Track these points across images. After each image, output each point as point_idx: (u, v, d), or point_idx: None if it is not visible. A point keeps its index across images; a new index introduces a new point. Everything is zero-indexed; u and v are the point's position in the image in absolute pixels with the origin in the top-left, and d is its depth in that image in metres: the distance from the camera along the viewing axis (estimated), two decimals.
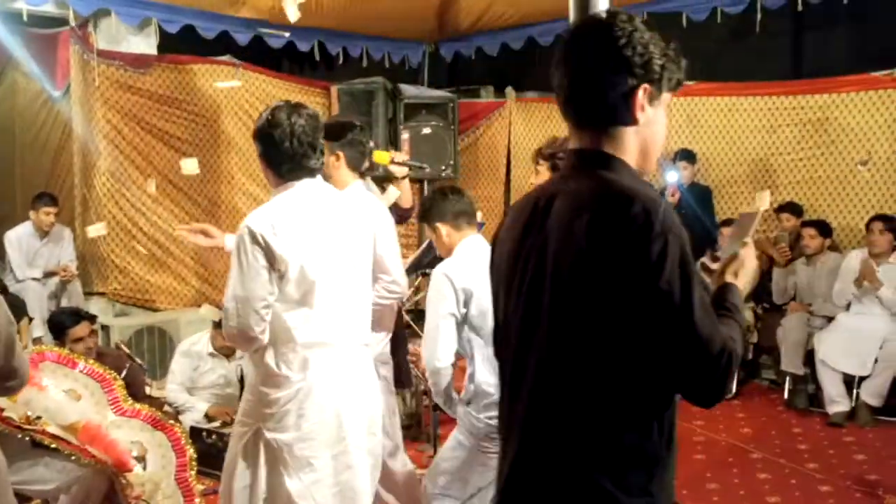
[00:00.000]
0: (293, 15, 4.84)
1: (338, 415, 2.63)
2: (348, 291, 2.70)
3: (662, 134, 1.62)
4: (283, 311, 2.59)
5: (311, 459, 2.61)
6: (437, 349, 3.17)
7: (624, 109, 1.53)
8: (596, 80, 1.52)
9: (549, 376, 1.51)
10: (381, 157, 4.24)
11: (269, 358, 2.61)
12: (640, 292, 1.39)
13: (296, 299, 2.58)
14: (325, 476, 2.62)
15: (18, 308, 4.86)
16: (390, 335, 3.65)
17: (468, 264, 3.16)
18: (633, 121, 1.54)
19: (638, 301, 1.39)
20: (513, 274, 1.62)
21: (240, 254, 2.57)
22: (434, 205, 3.38)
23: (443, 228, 3.31)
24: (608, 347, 1.44)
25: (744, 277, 1.70)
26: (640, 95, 1.53)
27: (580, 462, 1.48)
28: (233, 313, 2.56)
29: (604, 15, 1.59)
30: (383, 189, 4.53)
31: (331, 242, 2.65)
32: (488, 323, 3.11)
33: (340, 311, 2.67)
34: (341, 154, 3.46)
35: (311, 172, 2.69)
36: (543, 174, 3.34)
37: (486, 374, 3.15)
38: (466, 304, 3.15)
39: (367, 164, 4.15)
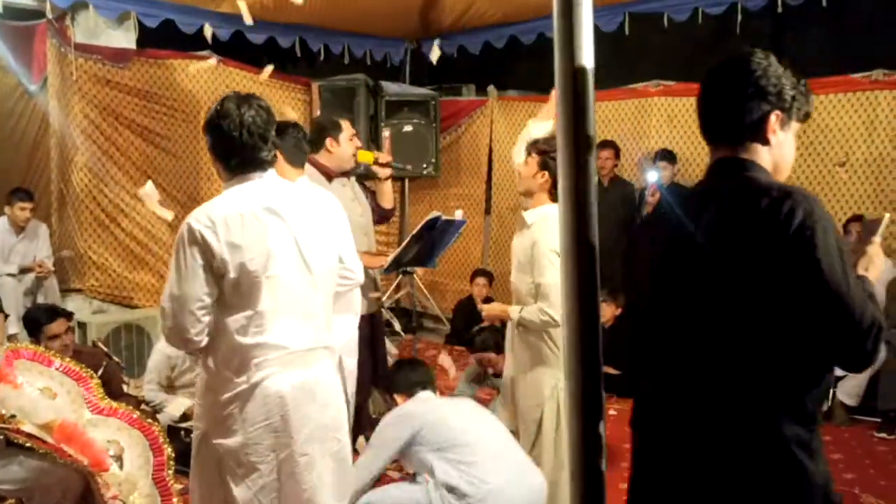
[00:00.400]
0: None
1: (284, 418, 2.52)
2: (301, 291, 2.59)
3: (791, 158, 1.86)
4: (224, 312, 2.49)
5: (257, 465, 2.52)
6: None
7: (758, 131, 1.79)
8: (735, 104, 1.80)
9: (717, 362, 1.74)
10: (364, 156, 4.25)
11: (210, 360, 2.53)
12: (801, 272, 1.62)
13: (237, 300, 2.49)
14: (271, 482, 2.54)
15: None
16: (357, 318, 3.56)
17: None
18: (765, 141, 1.79)
19: (800, 279, 1.62)
20: (671, 271, 1.84)
21: (177, 252, 2.47)
22: (393, 377, 3.52)
23: (399, 398, 3.42)
24: (774, 325, 1.67)
25: (874, 271, 1.97)
26: (773, 120, 1.79)
27: (759, 426, 1.73)
28: (168, 313, 2.48)
29: (745, 51, 1.85)
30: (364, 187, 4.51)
31: (281, 240, 2.54)
32: (444, 431, 3.19)
33: (290, 311, 2.55)
34: (278, 153, 3.45)
35: (263, 165, 2.59)
36: (531, 167, 3.40)
37: (452, 477, 3.19)
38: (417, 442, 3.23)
39: (353, 163, 4.16)
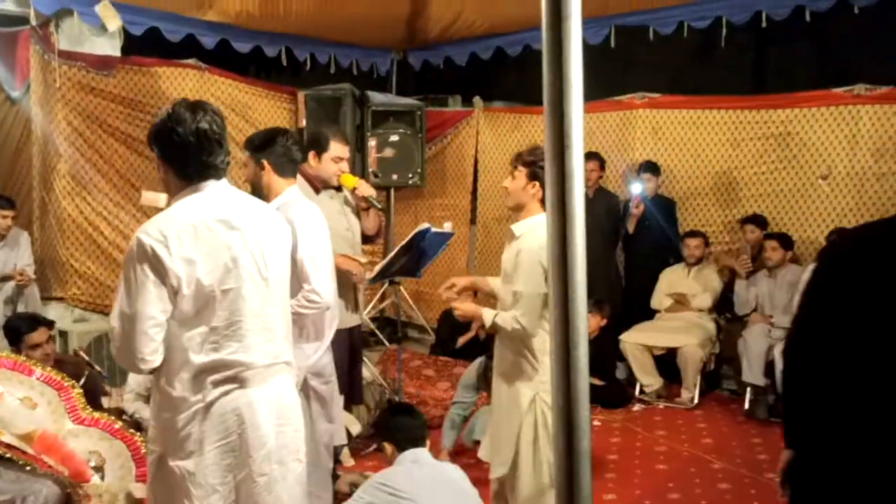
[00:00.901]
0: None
1: (242, 437, 2.45)
2: (258, 305, 2.49)
3: None
4: (178, 329, 2.38)
5: (216, 486, 2.43)
6: None
7: None
8: None
9: None
10: (347, 180, 4.20)
11: (164, 379, 2.42)
12: None
13: (191, 316, 2.38)
14: (230, 503, 2.47)
15: None
16: (326, 345, 3.56)
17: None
18: None
19: None
20: None
21: (127, 268, 2.34)
22: (384, 421, 3.40)
23: (388, 447, 3.31)
24: None
25: None
26: None
27: None
28: (118, 334, 2.36)
29: None
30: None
31: (237, 252, 2.45)
32: None
33: (247, 327, 2.46)
34: (266, 163, 3.49)
35: (218, 173, 2.49)
36: (520, 179, 3.35)
37: None
38: None
39: (335, 182, 4.14)
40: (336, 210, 4.19)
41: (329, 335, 3.56)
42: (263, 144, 3.54)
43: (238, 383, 2.45)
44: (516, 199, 3.40)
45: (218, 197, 2.48)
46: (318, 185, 4.15)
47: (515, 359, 3.33)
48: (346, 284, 4.16)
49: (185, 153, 2.44)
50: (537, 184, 3.32)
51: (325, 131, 4.28)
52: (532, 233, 3.29)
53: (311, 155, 4.14)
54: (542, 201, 3.32)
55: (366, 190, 4.37)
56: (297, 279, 3.22)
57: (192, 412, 2.41)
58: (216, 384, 2.42)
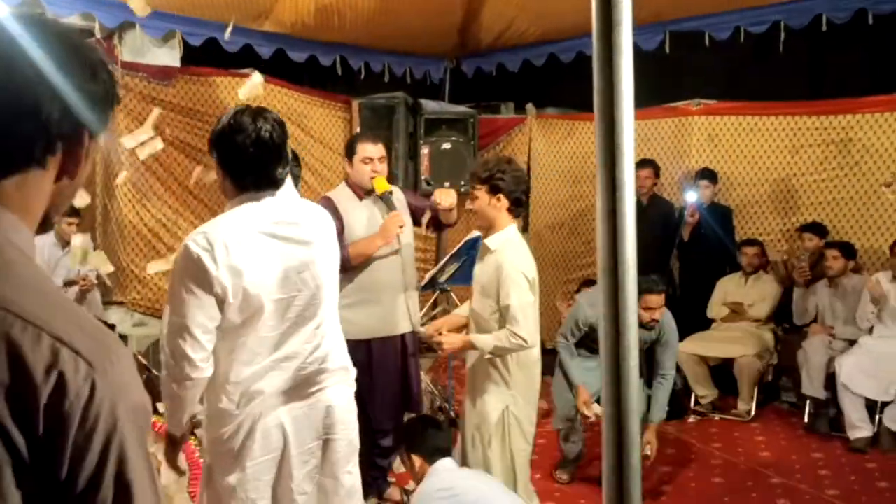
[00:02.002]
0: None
1: (285, 454, 2.42)
2: (309, 314, 2.46)
3: None
4: (224, 339, 2.36)
5: (256, 501, 2.41)
6: None
7: None
8: None
9: None
10: (380, 184, 4.18)
11: (211, 391, 2.41)
12: None
13: (238, 326, 2.36)
14: None
15: None
16: None
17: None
18: None
19: None
20: None
21: (175, 275, 2.33)
22: (413, 434, 3.39)
23: (416, 460, 3.31)
24: None
25: None
26: None
27: None
28: (168, 341, 2.34)
29: None
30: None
31: (288, 262, 2.43)
32: None
33: (297, 337, 2.43)
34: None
35: (277, 182, 2.44)
36: (483, 197, 3.36)
37: None
38: None
39: (369, 185, 4.17)
40: (378, 218, 4.20)
41: None
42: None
43: (285, 397, 2.42)
44: (484, 217, 3.43)
45: (274, 206, 2.44)
46: (360, 192, 4.18)
47: (485, 371, 3.34)
48: (395, 289, 4.17)
49: (244, 161, 2.40)
50: (501, 195, 3.33)
51: (355, 136, 4.37)
52: (508, 245, 3.33)
53: (346, 163, 4.22)
54: (510, 210, 3.39)
55: (398, 196, 4.31)
56: None
57: (236, 425, 2.39)
58: (262, 397, 2.39)
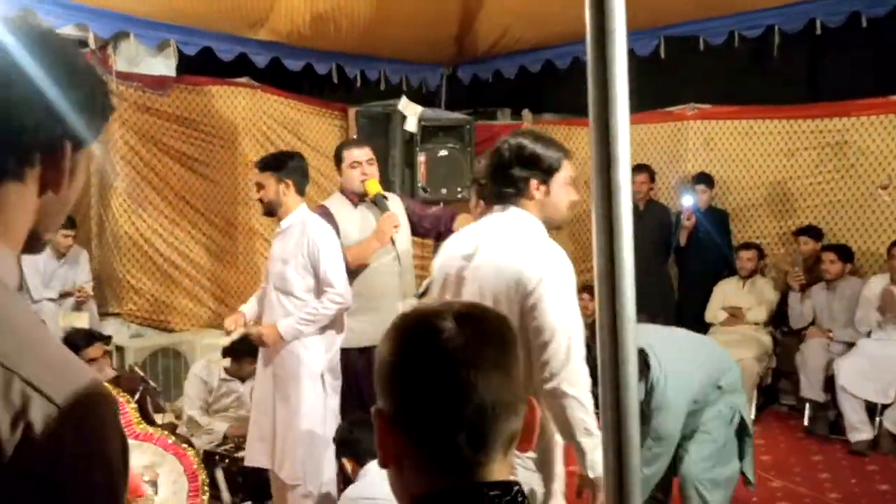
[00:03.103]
0: None
1: None
2: None
3: None
4: None
5: None
6: None
7: None
8: None
9: None
10: (373, 185, 4.23)
11: None
12: None
13: None
14: None
15: None
16: (339, 343, 3.89)
17: None
18: None
19: None
20: None
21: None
22: (343, 437, 3.35)
23: (348, 463, 3.27)
24: None
25: None
26: None
27: None
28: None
29: None
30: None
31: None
32: None
33: None
34: (290, 182, 3.81)
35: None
36: (472, 199, 3.35)
37: None
38: None
39: (361, 189, 4.23)
40: (373, 220, 4.23)
41: (341, 335, 3.89)
42: (287, 164, 3.84)
43: None
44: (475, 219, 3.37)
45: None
46: (353, 198, 4.23)
47: None
48: (393, 296, 4.19)
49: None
50: (482, 202, 3.27)
51: (341, 144, 4.52)
52: None
53: (338, 172, 4.35)
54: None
55: (392, 201, 4.41)
56: (318, 284, 3.72)
57: None
58: None
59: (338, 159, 4.30)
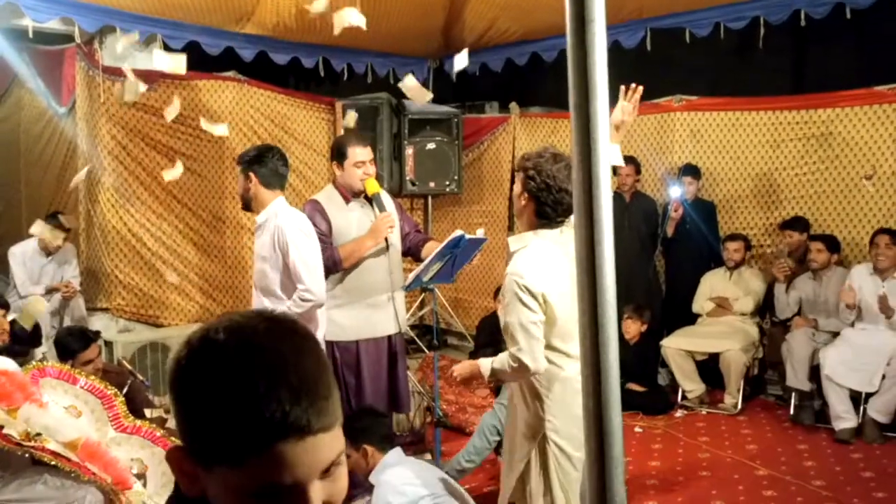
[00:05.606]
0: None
1: None
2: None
3: None
4: None
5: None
6: None
7: None
8: None
9: None
10: (371, 186, 4.24)
11: None
12: None
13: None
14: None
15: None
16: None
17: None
18: None
19: None
20: None
21: None
22: (358, 425, 3.35)
23: (369, 449, 3.31)
24: None
25: None
26: None
27: None
28: None
29: None
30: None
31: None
32: None
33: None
34: (253, 176, 3.81)
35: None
36: (517, 186, 2.97)
37: None
38: None
39: (360, 188, 4.22)
40: (366, 220, 4.23)
41: (321, 334, 3.84)
42: (253, 159, 3.83)
43: None
44: (516, 207, 3.04)
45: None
46: (348, 194, 4.23)
47: (515, 398, 3.00)
48: (382, 291, 4.21)
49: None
50: (527, 195, 2.91)
51: (343, 139, 4.45)
52: (520, 253, 2.92)
53: (335, 165, 4.28)
54: (537, 214, 2.92)
55: (387, 199, 4.41)
56: (292, 281, 3.66)
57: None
58: None
59: (339, 155, 4.24)
